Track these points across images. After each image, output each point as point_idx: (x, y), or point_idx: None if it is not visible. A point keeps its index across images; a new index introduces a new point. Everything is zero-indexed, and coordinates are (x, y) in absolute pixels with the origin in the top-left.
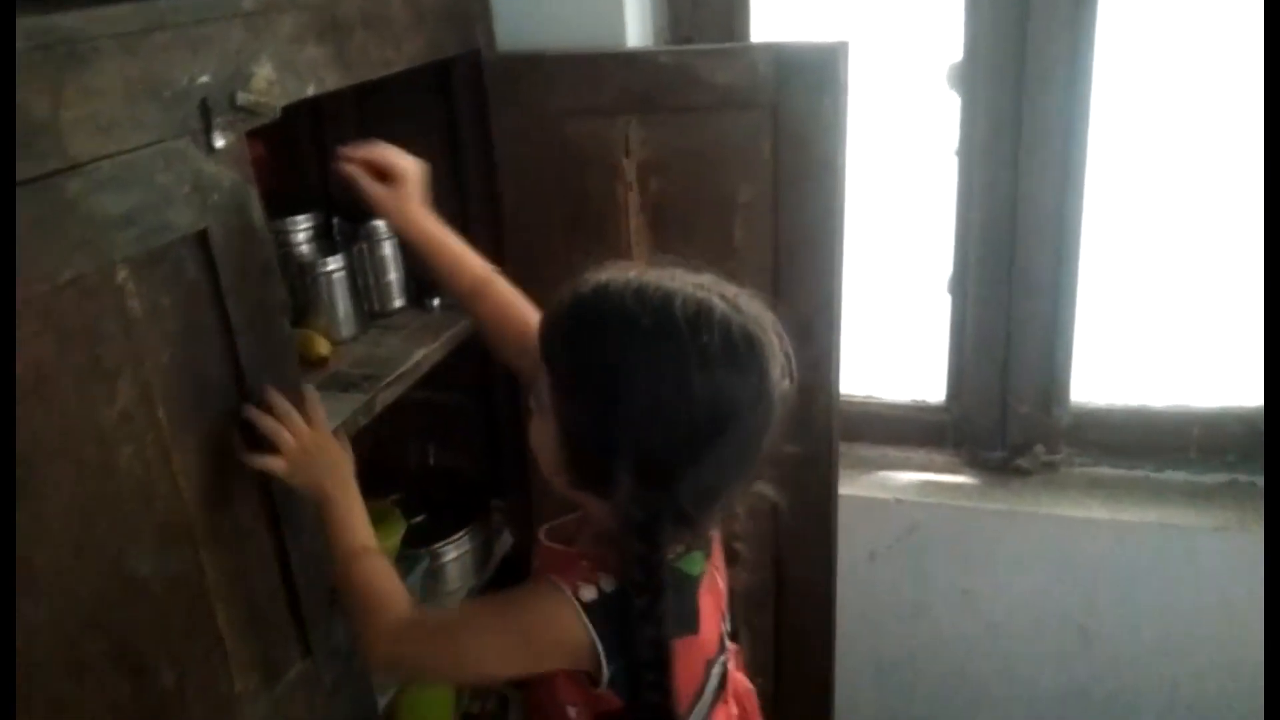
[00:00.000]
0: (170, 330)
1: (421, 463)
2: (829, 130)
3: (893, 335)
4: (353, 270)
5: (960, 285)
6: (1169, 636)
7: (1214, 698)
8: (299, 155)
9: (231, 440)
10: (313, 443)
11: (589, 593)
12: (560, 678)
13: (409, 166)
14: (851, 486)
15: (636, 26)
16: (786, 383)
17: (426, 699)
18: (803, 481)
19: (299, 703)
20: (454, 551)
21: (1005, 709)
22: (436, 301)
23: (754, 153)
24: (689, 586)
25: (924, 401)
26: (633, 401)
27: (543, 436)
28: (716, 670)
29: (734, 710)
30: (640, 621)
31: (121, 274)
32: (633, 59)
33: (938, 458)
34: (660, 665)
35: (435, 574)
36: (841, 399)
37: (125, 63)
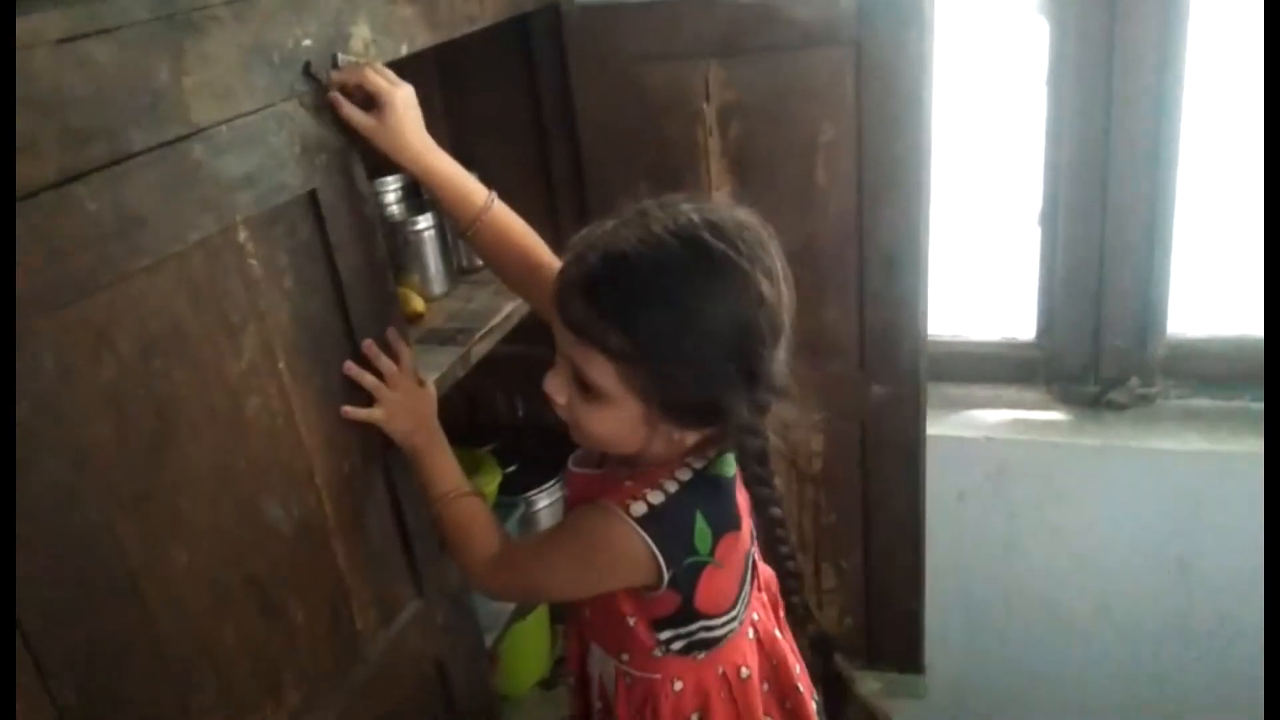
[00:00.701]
0: (287, 287)
1: (512, 415)
2: (914, 65)
3: (981, 272)
4: (441, 228)
5: (1051, 218)
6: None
7: None
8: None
9: (345, 395)
10: (404, 394)
11: (639, 508)
12: (619, 594)
13: (396, 95)
14: (940, 426)
15: None
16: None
17: (525, 641)
18: (889, 422)
19: (413, 640)
20: (545, 500)
21: (1100, 644)
22: None
23: (836, 91)
24: (727, 486)
25: (1014, 338)
26: (720, 328)
27: (609, 419)
28: (750, 560)
29: (765, 596)
30: (766, 506)
31: (242, 234)
32: (711, 1)
33: (1028, 395)
34: (788, 538)
35: (528, 520)
36: (929, 338)
37: (238, 30)
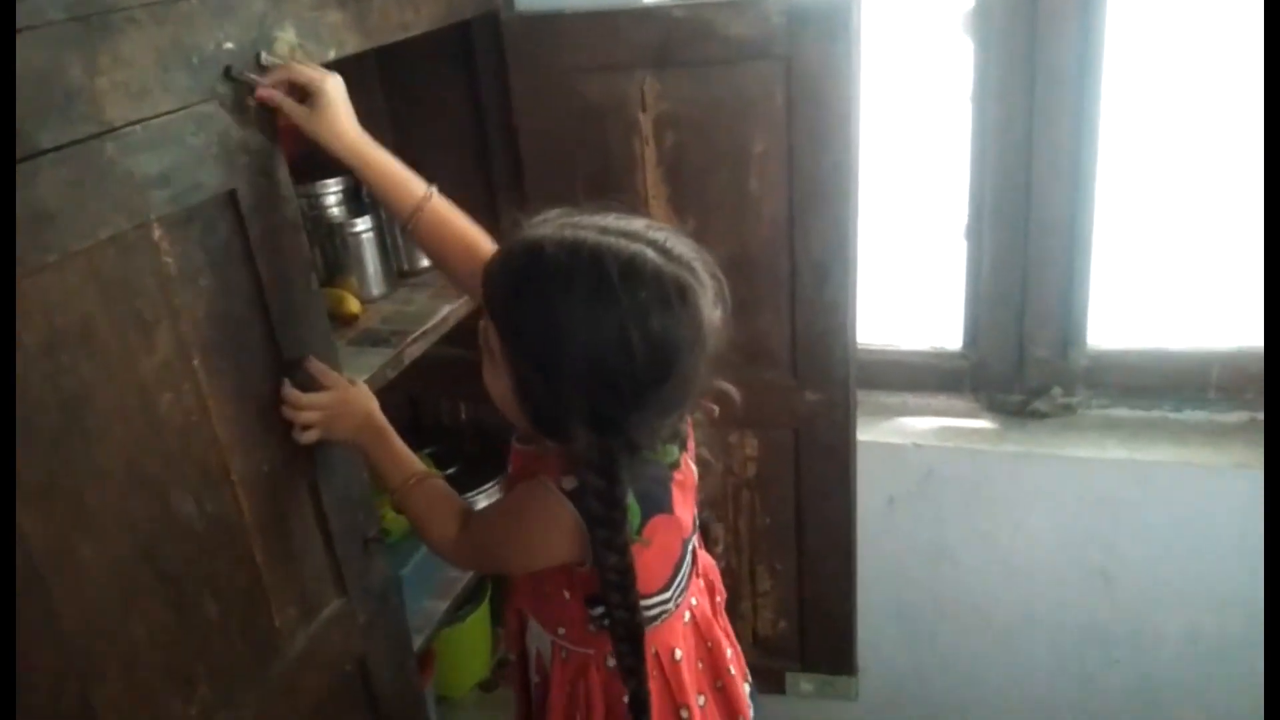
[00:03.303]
0: (204, 286)
1: (455, 417)
2: (842, 80)
3: (910, 283)
4: (381, 231)
5: (976, 231)
6: (1189, 576)
7: (1236, 637)
8: None
9: (265, 394)
10: (335, 402)
11: (569, 482)
12: (555, 568)
13: (327, 82)
14: (870, 433)
15: None
16: (718, 313)
17: (464, 642)
18: (822, 427)
19: (335, 638)
20: (485, 500)
21: (1027, 650)
22: None
23: (768, 104)
24: (663, 473)
25: (941, 348)
26: (575, 361)
27: (496, 382)
28: (689, 547)
29: (701, 583)
30: (604, 549)
31: (157, 232)
32: (648, 14)
33: (956, 403)
34: (625, 587)
35: None
36: (859, 348)
37: (155, 32)
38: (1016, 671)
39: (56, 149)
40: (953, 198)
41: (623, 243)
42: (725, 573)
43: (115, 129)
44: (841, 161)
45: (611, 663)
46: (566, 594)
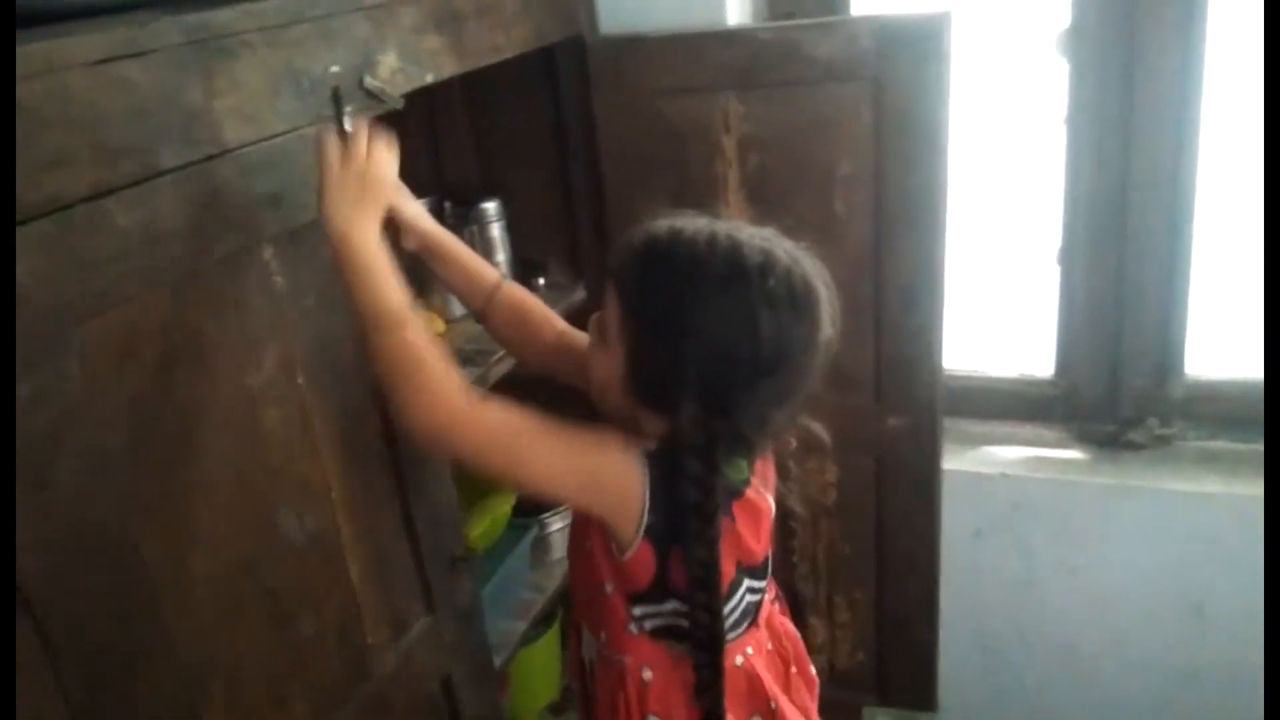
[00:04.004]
0: (308, 305)
1: None
2: (932, 101)
3: (1000, 308)
4: None
5: (1070, 255)
6: None
7: None
8: (412, 143)
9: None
10: (363, 168)
11: (648, 445)
12: (599, 553)
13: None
14: (956, 461)
15: (737, 5)
16: (831, 330)
17: (535, 663)
18: (905, 454)
19: (422, 657)
20: (559, 522)
21: (1116, 688)
22: (542, 280)
23: (855, 125)
24: (728, 484)
25: (1031, 375)
26: (702, 336)
27: (605, 363)
28: (752, 584)
29: (764, 636)
30: (693, 543)
31: (267, 251)
32: (733, 37)
33: (1045, 432)
34: (711, 586)
35: (541, 543)
36: (946, 373)
37: (268, 55)
38: (1104, 711)
39: (176, 169)
40: (1045, 221)
41: (757, 239)
42: (802, 602)
43: (230, 150)
44: (930, 184)
45: (648, 675)
46: (609, 587)
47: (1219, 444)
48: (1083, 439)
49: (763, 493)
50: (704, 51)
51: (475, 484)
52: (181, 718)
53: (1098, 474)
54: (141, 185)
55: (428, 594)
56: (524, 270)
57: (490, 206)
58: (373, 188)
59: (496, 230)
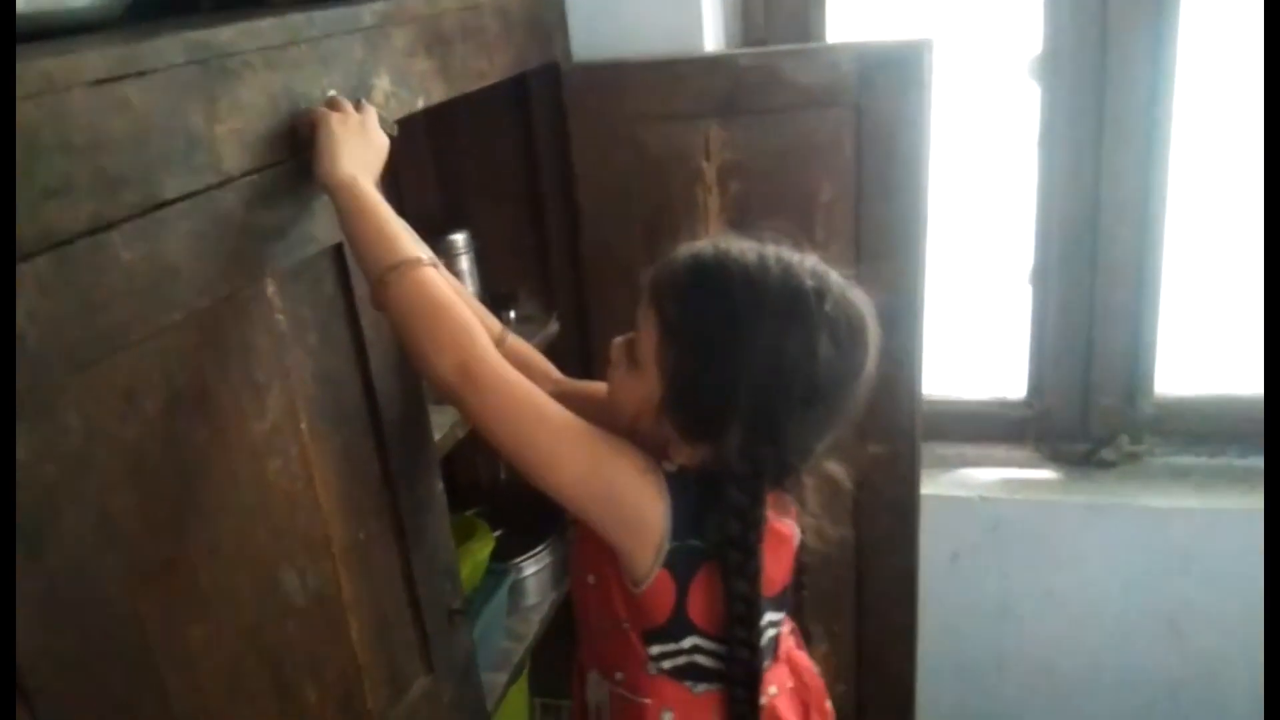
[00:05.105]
0: (311, 344)
1: (493, 479)
2: (913, 128)
3: (972, 332)
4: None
5: (1042, 278)
6: (1262, 628)
7: None
8: None
9: (362, 457)
10: (361, 125)
11: (671, 466)
12: (613, 585)
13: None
14: (932, 486)
15: (713, 31)
16: (873, 366)
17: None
18: (884, 481)
19: (422, 717)
20: (534, 566)
21: (1093, 706)
22: (513, 314)
23: (836, 152)
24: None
25: (1004, 397)
26: (756, 359)
27: (635, 389)
28: (772, 616)
29: (786, 673)
30: (734, 577)
31: (270, 287)
32: (714, 63)
33: (1019, 454)
34: (751, 622)
35: (518, 588)
36: (923, 399)
37: (268, 77)
38: None
39: (180, 199)
40: (1017, 244)
41: (809, 263)
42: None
43: (234, 179)
44: (911, 210)
45: (668, 717)
46: (625, 624)
47: (1189, 459)
48: (1056, 459)
49: (784, 519)
50: (684, 78)
51: (453, 529)
52: None
53: (1072, 493)
54: (144, 217)
55: (426, 651)
56: (494, 303)
57: (458, 238)
58: (373, 145)
59: (465, 263)
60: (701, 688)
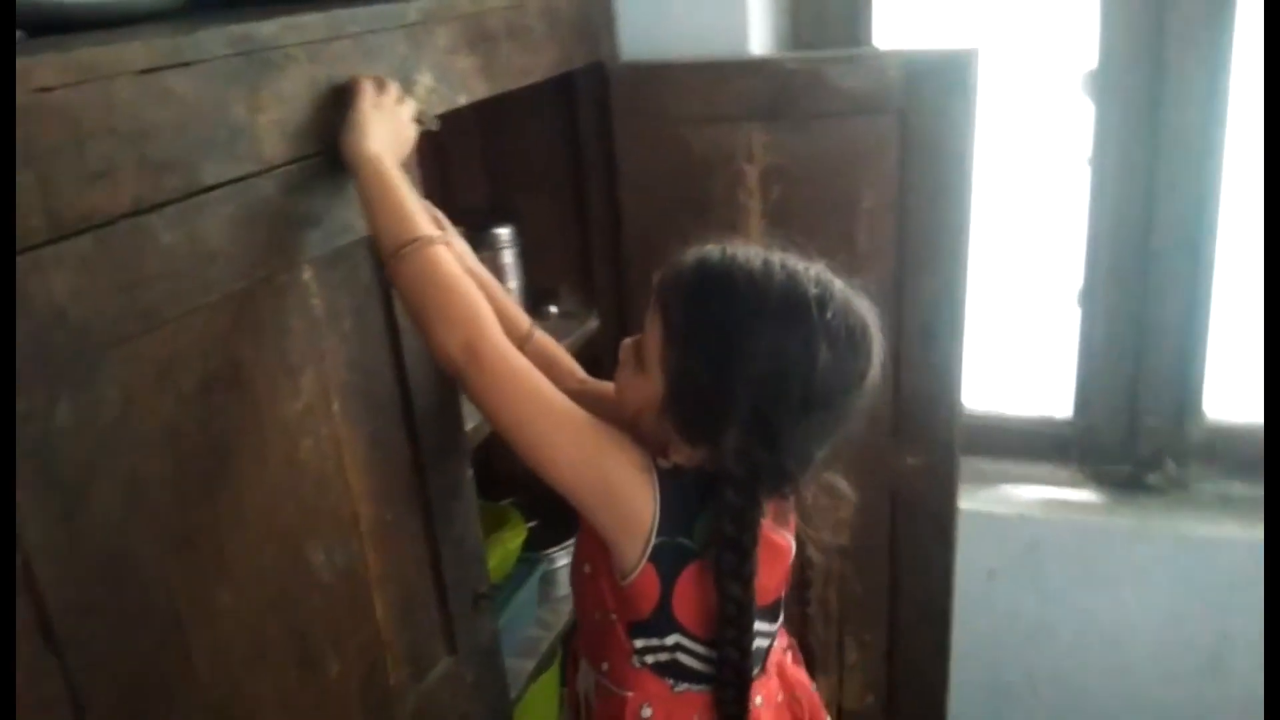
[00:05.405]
0: (346, 329)
1: (529, 469)
2: (958, 137)
3: (1018, 348)
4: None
5: (1090, 296)
6: None
7: None
8: (422, 166)
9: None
10: (393, 112)
11: (664, 463)
12: (602, 576)
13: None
14: (971, 501)
15: (759, 35)
16: (877, 372)
17: (534, 705)
18: (921, 493)
19: (444, 698)
20: (566, 557)
21: None
22: (554, 309)
23: (879, 158)
24: None
25: (1049, 415)
26: (756, 363)
27: (641, 389)
28: (761, 627)
29: (775, 686)
30: (727, 579)
31: (307, 273)
32: (760, 66)
33: (1061, 473)
34: (743, 624)
35: (548, 578)
36: (963, 412)
37: (311, 70)
38: None
39: (220, 185)
40: (1067, 261)
41: (813, 271)
42: (813, 643)
43: (275, 167)
44: (954, 219)
45: (646, 712)
46: (613, 615)
47: (1236, 488)
48: (1099, 480)
49: (780, 531)
50: (729, 80)
51: (486, 517)
52: None
53: (1114, 516)
54: (185, 201)
55: (450, 633)
56: (536, 298)
57: (503, 232)
58: (402, 131)
59: (509, 257)
60: (682, 687)
